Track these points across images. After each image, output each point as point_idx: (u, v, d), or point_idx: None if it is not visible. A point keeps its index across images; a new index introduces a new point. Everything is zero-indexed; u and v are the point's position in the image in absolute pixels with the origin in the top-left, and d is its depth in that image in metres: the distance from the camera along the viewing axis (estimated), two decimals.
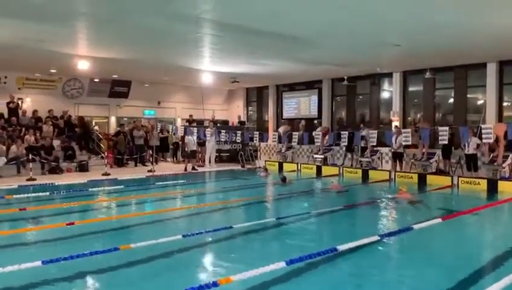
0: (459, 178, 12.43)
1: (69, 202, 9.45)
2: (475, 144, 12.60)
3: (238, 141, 17.24)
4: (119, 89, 20.05)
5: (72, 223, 7.17)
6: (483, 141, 11.34)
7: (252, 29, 9.85)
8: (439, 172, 13.63)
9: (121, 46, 12.36)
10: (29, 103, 17.71)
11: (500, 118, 14.11)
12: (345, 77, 17.90)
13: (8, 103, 16.35)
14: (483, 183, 11.80)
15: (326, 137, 16.47)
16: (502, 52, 12.59)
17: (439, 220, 7.75)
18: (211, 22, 9.49)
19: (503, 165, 12.13)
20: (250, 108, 24.16)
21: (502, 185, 11.45)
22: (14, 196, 10.16)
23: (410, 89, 16.99)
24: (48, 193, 10.61)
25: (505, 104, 14.53)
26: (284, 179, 13.03)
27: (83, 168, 15.28)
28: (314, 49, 12.31)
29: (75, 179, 13.26)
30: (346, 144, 15.28)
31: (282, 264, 4.88)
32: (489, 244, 7.00)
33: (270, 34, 10.34)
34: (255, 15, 8.86)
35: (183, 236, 6.29)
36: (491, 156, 12.75)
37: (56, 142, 15.67)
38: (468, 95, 15.40)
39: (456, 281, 4.67)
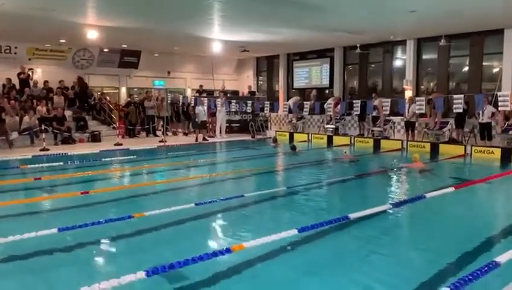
0: (473, 147, 12.29)
1: (83, 172, 9.58)
2: (490, 113, 12.37)
3: (248, 111, 17.14)
4: (128, 59, 19.92)
5: (87, 192, 7.28)
6: (499, 109, 11.11)
7: None
8: (452, 141, 13.48)
9: (130, 15, 12.20)
10: (39, 74, 17.75)
11: None
12: (358, 45, 17.52)
13: (19, 74, 16.39)
14: (497, 152, 11.65)
15: (338, 107, 16.29)
16: None
17: (452, 189, 7.70)
18: None
19: None
20: (260, 78, 23.90)
21: None
22: (29, 166, 10.30)
23: (424, 57, 16.60)
24: (61, 163, 10.75)
25: None
26: (293, 148, 13.05)
27: (95, 138, 15.41)
28: (327, 16, 12.00)
29: (88, 149, 13.38)
30: (358, 113, 15.09)
31: (294, 231, 4.90)
32: (502, 213, 6.96)
33: (281, 0, 10.08)
34: None
35: (196, 204, 6.35)
36: (506, 124, 12.54)
37: (68, 113, 15.76)
38: (484, 63, 15.00)
39: (469, 248, 4.67)
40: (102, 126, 17.14)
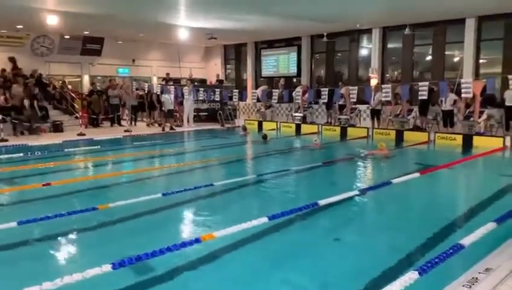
0: (436, 134, 12.64)
1: (44, 163, 9.20)
2: (452, 100, 12.73)
3: (216, 99, 16.94)
4: (91, 46, 19.25)
5: (49, 184, 6.99)
6: (462, 96, 11.46)
7: None
8: (416, 128, 13.82)
9: (92, 0, 11.72)
10: None
11: (476, 74, 14.22)
12: (325, 34, 17.61)
13: None
14: (459, 139, 12.04)
15: (306, 95, 16.35)
16: (481, 6, 12.50)
17: (417, 174, 7.88)
18: None
19: (479, 120, 12.36)
20: (228, 66, 23.69)
21: (477, 140, 11.73)
22: None
23: (389, 45, 16.87)
24: (21, 154, 10.29)
25: (481, 61, 14.60)
26: (264, 137, 13.03)
27: (57, 128, 14.85)
28: (294, 3, 11.95)
29: (50, 139, 12.89)
30: (325, 101, 15.19)
31: (265, 219, 4.88)
32: (464, 197, 7.20)
33: None
34: None
35: (163, 195, 6.23)
36: (467, 112, 12.95)
37: (26, 102, 15.09)
38: (446, 52, 15.40)
39: (434, 232, 4.78)
40: (64, 116, 16.51)
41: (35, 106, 14.84)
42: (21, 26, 16.03)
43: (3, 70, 16.28)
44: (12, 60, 17.15)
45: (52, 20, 13.42)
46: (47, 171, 8.44)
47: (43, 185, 6.96)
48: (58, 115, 16.14)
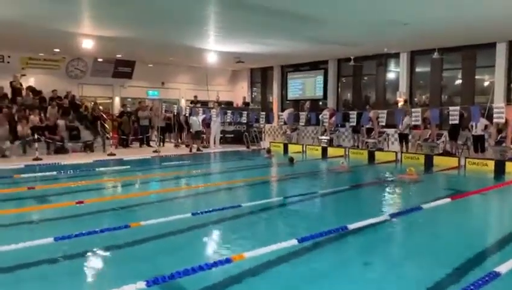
0: (466, 159, 12.38)
1: (77, 181, 9.45)
2: (483, 125, 12.50)
3: (243, 122, 17.14)
4: (123, 69, 19.93)
5: (82, 202, 7.18)
6: (494, 121, 11.27)
7: (257, 7, 9.64)
8: (446, 153, 13.57)
9: (125, 25, 12.22)
10: (32, 83, 17.62)
11: (508, 99, 13.95)
12: (352, 57, 17.69)
13: (11, 82, 16.25)
14: (491, 165, 11.73)
15: (333, 118, 16.35)
16: None
17: (448, 200, 7.72)
18: None
19: (511, 146, 12.06)
20: (254, 89, 23.99)
21: (510, 166, 11.39)
22: (22, 175, 10.16)
23: (417, 69, 16.80)
24: (54, 173, 10.61)
25: None
26: (291, 160, 13.04)
27: (88, 148, 15.27)
28: (321, 28, 12.12)
29: (81, 159, 13.25)
30: (354, 124, 15.14)
31: (294, 241, 4.87)
32: (498, 223, 7.00)
33: (276, 12, 10.14)
34: None
35: (193, 214, 6.29)
36: (499, 137, 12.67)
37: (61, 122, 15.62)
38: (476, 76, 15.22)
39: (465, 258, 4.67)
40: (96, 136, 16.95)
41: (67, 126, 15.34)
42: (58, 50, 16.75)
43: (40, 92, 16.94)
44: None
45: (87, 44, 14.02)
46: (79, 190, 8.66)
47: (77, 203, 7.14)
48: (89, 136, 16.60)
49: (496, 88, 14.09)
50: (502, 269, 4.11)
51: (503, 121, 11.04)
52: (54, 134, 14.58)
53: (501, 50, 13.96)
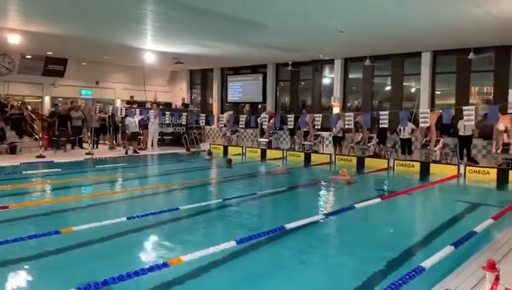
0: (395, 161, 13.14)
1: (1, 185, 8.83)
2: (410, 129, 13.35)
3: (183, 123, 16.90)
4: (54, 67, 18.85)
5: (7, 207, 6.71)
6: (421, 125, 12.06)
7: (194, 8, 9.56)
8: (376, 156, 14.30)
9: (57, 21, 11.57)
10: None
11: (432, 105, 14.97)
12: (290, 62, 18.12)
13: None
14: (417, 166, 12.59)
15: (272, 121, 16.63)
16: (435, 42, 13.30)
17: (379, 199, 8.14)
18: None
19: (435, 149, 12.98)
20: (194, 90, 23.76)
21: (434, 168, 12.31)
22: None
23: (351, 76, 17.53)
24: None
25: (437, 92, 15.42)
26: (229, 161, 13.08)
27: (13, 150, 14.31)
28: (259, 33, 12.26)
29: (6, 161, 12.39)
30: (291, 127, 15.51)
31: (233, 243, 4.89)
32: (423, 221, 7.50)
33: (215, 15, 10.09)
34: None
35: (128, 218, 6.11)
36: (424, 140, 13.58)
37: None
38: (404, 83, 16.17)
39: (395, 254, 4.97)
40: (23, 137, 15.95)
41: None
42: None
43: None
44: None
45: (13, 39, 13.11)
46: (4, 194, 8.10)
47: (0, 207, 6.67)
48: (15, 137, 15.57)
49: (422, 94, 15.06)
50: (427, 264, 4.40)
51: (428, 124, 11.84)
52: None
53: (426, 59, 14.94)
